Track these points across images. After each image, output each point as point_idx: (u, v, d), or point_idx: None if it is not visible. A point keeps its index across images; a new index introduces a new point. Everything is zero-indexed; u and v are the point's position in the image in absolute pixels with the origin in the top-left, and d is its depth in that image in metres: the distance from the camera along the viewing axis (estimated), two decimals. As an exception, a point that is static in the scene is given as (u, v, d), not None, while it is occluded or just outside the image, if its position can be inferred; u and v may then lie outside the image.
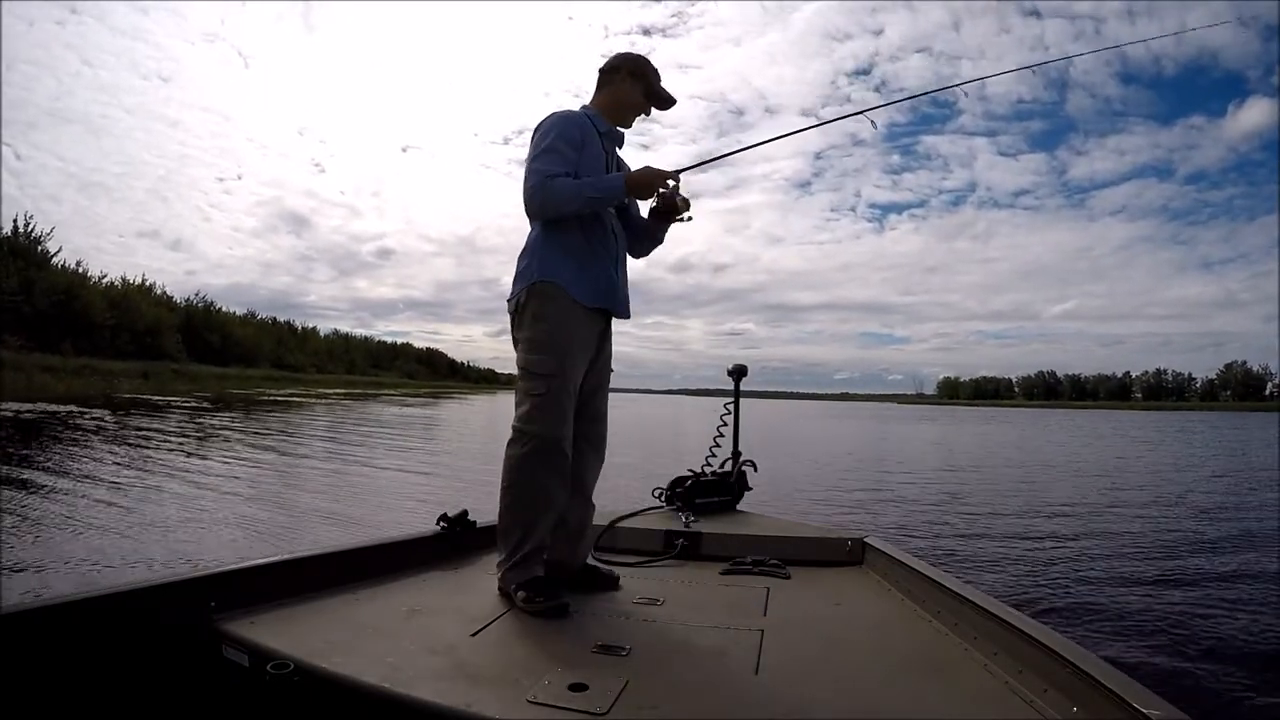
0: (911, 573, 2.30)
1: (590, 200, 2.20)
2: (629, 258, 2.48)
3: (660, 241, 2.52)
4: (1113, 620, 4.01)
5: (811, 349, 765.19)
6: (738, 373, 3.79)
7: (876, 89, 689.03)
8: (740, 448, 3.78)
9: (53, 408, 18.02)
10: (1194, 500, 9.20)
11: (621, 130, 2.46)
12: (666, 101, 2.48)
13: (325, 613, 1.99)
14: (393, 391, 66.42)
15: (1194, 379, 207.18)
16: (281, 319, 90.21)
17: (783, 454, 15.79)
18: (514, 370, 2.25)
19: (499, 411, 33.95)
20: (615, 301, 2.32)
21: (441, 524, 2.71)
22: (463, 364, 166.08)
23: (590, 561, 2.44)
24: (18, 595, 3.67)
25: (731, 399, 3.82)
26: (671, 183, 2.31)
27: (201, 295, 67.14)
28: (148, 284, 58.32)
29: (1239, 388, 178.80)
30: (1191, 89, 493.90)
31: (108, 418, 16.35)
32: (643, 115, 2.49)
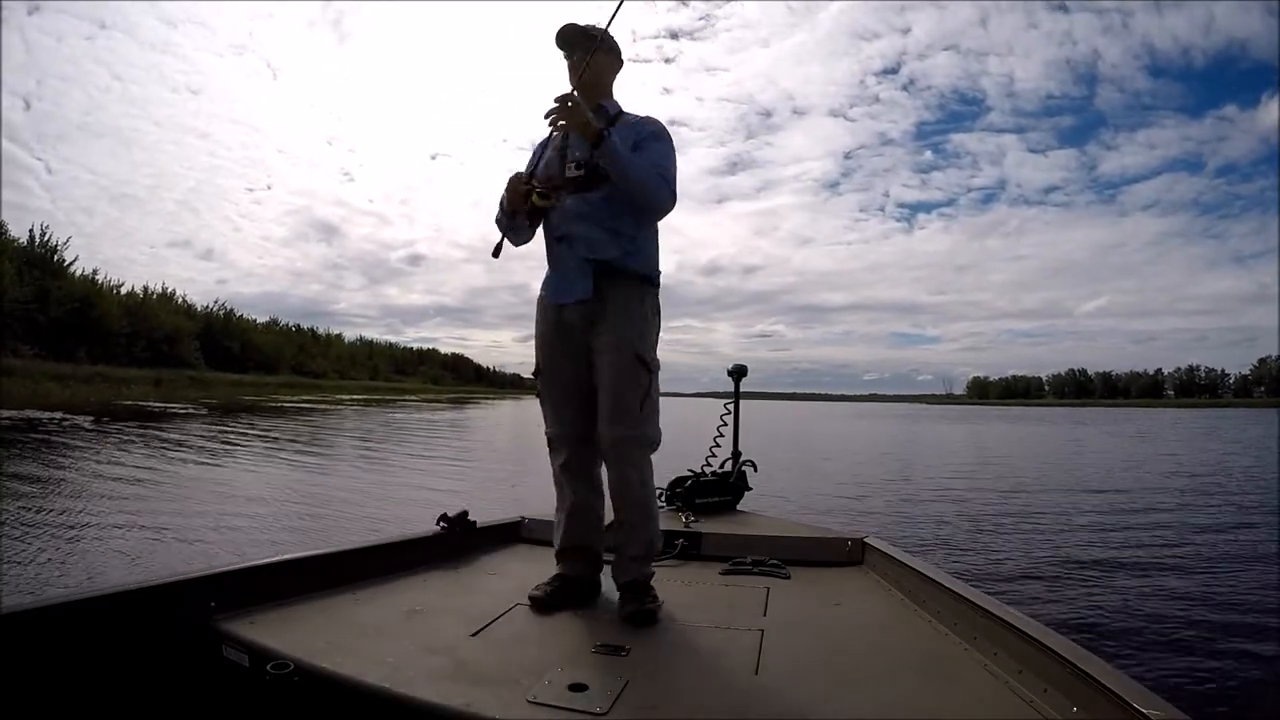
0: (911, 573, 2.27)
1: (500, 223, 2.26)
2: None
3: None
4: (1113, 620, 3.99)
5: (841, 350, 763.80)
6: (737, 373, 3.80)
7: (905, 87, 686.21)
8: (740, 448, 3.75)
9: (35, 415, 17.89)
10: (1198, 501, 9.05)
11: (598, 107, 2.23)
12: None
13: (325, 613, 1.98)
14: (413, 398, 66.12)
15: (1227, 375, 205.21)
16: (309, 326, 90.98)
17: (791, 454, 15.66)
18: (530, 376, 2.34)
19: (506, 417, 34.15)
20: (562, 294, 2.18)
21: (441, 524, 2.71)
22: (488, 369, 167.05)
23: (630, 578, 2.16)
24: (18, 595, 3.73)
25: (732, 399, 3.82)
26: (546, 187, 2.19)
27: (221, 303, 67.46)
28: (168, 292, 58.56)
29: (1273, 383, 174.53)
30: (1220, 81, 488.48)
31: (87, 425, 16.15)
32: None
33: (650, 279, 2.18)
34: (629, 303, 2.11)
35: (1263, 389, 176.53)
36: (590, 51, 2.17)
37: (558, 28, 2.20)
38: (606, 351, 2.09)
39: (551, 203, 2.17)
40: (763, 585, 2.43)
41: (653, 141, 2.15)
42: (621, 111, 2.27)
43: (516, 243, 2.31)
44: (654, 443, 2.15)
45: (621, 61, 2.32)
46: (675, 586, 2.38)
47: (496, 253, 2.27)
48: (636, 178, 2.05)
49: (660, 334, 2.22)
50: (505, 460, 13.61)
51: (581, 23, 2.22)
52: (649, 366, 2.09)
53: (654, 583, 2.21)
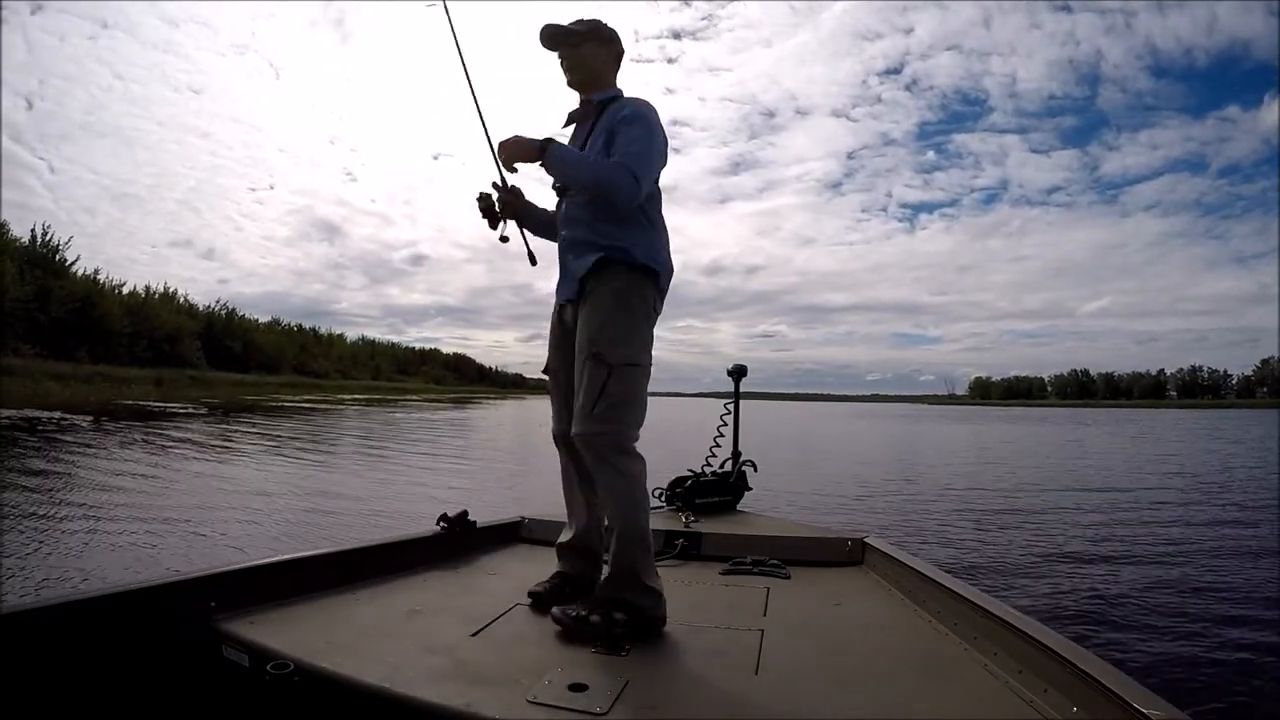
0: (911, 573, 2.27)
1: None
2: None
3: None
4: (1113, 620, 3.98)
5: (843, 350, 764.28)
6: (737, 373, 3.80)
7: (907, 88, 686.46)
8: (740, 448, 3.75)
9: (34, 414, 17.80)
10: (1199, 501, 8.99)
11: (586, 101, 2.24)
12: None
13: (325, 613, 1.98)
14: (415, 398, 66.07)
15: (1230, 375, 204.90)
16: (311, 326, 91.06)
17: (792, 454, 15.64)
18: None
19: (508, 417, 34.30)
20: (560, 294, 2.21)
21: (441, 524, 2.72)
22: (491, 369, 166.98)
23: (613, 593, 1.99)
24: (18, 595, 3.76)
25: (732, 399, 3.81)
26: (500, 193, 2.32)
27: (223, 303, 67.39)
28: (170, 292, 58.57)
29: (1276, 384, 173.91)
30: (1223, 81, 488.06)
31: (85, 424, 16.06)
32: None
33: (636, 271, 2.06)
34: (600, 298, 2.05)
35: (1265, 390, 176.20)
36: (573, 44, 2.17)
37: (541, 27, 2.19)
38: (580, 348, 2.07)
39: (488, 202, 2.29)
40: (763, 585, 2.43)
41: (624, 126, 2.06)
42: (615, 97, 2.21)
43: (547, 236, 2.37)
44: (613, 442, 1.98)
45: (617, 48, 2.24)
46: (675, 586, 2.36)
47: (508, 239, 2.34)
48: (589, 177, 2.03)
49: (650, 328, 2.10)
50: (507, 460, 13.63)
51: (570, 20, 2.20)
52: (605, 361, 1.97)
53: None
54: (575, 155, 2.07)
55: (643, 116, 2.07)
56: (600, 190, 2.03)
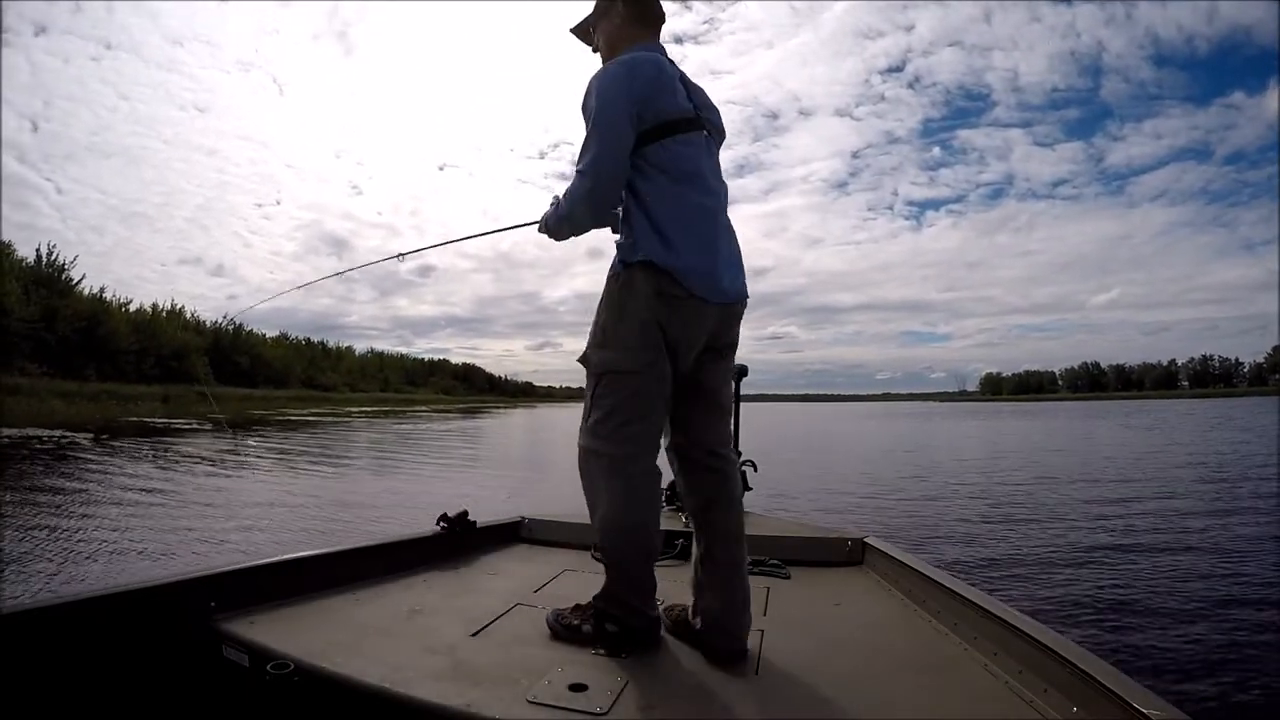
0: (911, 573, 2.26)
1: None
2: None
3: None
4: (1113, 620, 3.95)
5: (853, 350, 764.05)
6: (737, 373, 3.70)
7: (910, 85, 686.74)
8: (741, 448, 3.65)
9: (35, 433, 17.85)
10: (1203, 496, 8.86)
11: None
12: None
13: (325, 613, 1.98)
14: (424, 408, 66.26)
15: (1241, 363, 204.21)
16: (320, 340, 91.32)
17: (796, 455, 15.67)
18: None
19: (516, 425, 33.77)
20: None
21: (441, 524, 2.71)
22: (501, 378, 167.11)
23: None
24: (18, 595, 3.78)
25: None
26: None
27: (230, 318, 67.57)
28: (177, 308, 58.88)
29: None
30: (1226, 68, 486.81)
31: (85, 441, 16.05)
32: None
33: (628, 266, 1.82)
34: (599, 301, 1.90)
35: (1278, 376, 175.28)
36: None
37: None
38: None
39: None
40: (763, 585, 2.42)
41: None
42: None
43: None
44: (606, 467, 1.78)
45: (624, 5, 1.98)
46: (675, 586, 2.33)
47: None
48: (558, 225, 1.93)
49: (648, 326, 1.78)
50: (512, 467, 13.66)
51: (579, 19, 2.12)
52: (590, 366, 1.86)
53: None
54: (549, 216, 1.97)
55: (587, 98, 1.84)
56: (577, 224, 1.91)
